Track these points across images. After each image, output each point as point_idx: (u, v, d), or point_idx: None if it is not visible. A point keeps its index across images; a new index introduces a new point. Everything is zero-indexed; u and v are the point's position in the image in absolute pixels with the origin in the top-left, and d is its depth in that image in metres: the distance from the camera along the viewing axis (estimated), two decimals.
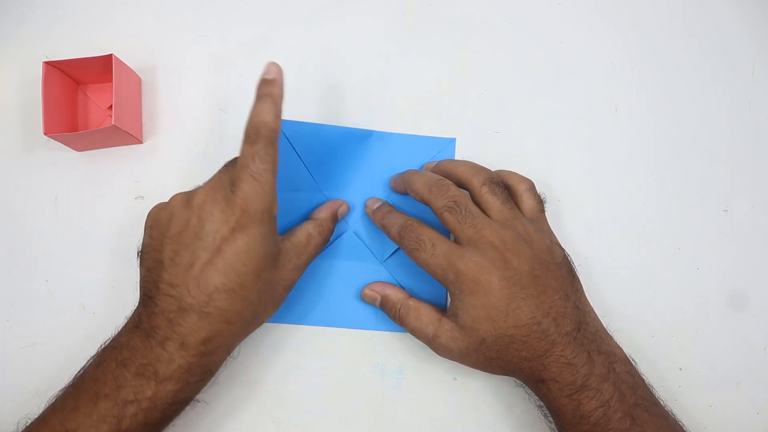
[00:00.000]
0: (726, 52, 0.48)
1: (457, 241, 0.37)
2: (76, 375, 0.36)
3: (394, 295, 0.41)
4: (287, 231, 0.40)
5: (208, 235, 0.34)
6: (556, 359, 0.35)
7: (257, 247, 0.34)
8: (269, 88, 0.37)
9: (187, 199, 0.36)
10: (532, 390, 0.38)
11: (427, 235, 0.38)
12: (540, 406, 0.38)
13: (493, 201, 0.39)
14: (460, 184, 0.40)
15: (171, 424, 0.36)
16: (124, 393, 0.33)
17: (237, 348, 0.38)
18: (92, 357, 0.36)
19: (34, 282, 0.44)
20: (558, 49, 0.48)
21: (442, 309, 0.40)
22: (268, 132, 0.35)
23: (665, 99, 0.48)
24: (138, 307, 0.37)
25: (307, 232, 0.40)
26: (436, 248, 0.37)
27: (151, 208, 0.38)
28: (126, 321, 0.37)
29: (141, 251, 0.38)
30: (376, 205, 0.43)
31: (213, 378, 0.37)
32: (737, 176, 0.46)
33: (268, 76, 0.37)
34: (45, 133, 0.41)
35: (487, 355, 0.37)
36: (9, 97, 0.46)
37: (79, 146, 0.45)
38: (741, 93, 0.48)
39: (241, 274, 0.34)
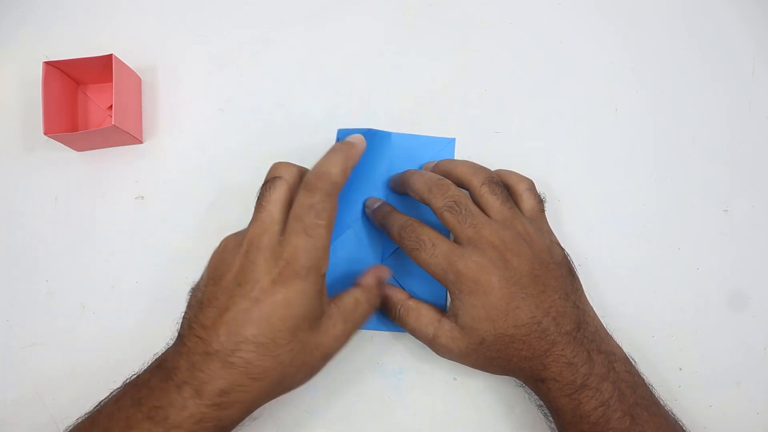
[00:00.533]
0: (726, 52, 0.48)
1: (457, 241, 0.37)
2: (94, 408, 0.35)
3: (394, 295, 0.41)
4: (335, 295, 0.37)
5: (248, 283, 0.33)
6: (556, 359, 0.35)
7: (298, 304, 0.33)
8: (346, 146, 0.36)
9: (237, 242, 0.35)
10: (531, 390, 0.38)
11: (427, 235, 0.38)
12: (540, 406, 0.38)
13: (493, 201, 0.39)
14: (460, 184, 0.40)
15: None
16: None
17: (259, 410, 0.35)
18: (112, 392, 0.35)
19: (34, 282, 0.44)
20: (558, 49, 0.48)
21: (442, 309, 0.40)
22: (330, 185, 0.34)
23: (665, 99, 0.48)
24: (168, 348, 0.35)
25: (354, 298, 0.37)
26: (436, 248, 0.37)
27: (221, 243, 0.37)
28: (153, 360, 0.35)
29: (194, 287, 0.36)
30: (375, 205, 0.43)
31: None
32: (737, 176, 0.46)
33: (350, 140, 0.37)
34: (45, 133, 0.41)
35: (487, 354, 0.37)
36: (9, 97, 0.46)
37: (79, 146, 0.45)
38: (741, 93, 0.48)
39: (276, 329, 0.32)
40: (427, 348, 0.39)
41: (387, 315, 0.41)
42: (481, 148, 0.46)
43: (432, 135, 0.46)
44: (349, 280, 0.44)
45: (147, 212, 0.45)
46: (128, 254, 0.43)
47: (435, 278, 0.38)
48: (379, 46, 0.48)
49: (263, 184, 0.36)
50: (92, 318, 0.43)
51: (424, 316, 0.39)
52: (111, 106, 0.46)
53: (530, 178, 0.42)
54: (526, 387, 0.38)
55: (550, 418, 0.38)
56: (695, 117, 0.47)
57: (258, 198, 0.36)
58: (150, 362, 0.35)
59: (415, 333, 0.39)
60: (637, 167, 0.46)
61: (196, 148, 0.46)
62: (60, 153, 0.45)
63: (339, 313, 0.36)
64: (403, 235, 0.38)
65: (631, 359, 0.37)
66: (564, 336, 0.35)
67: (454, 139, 0.46)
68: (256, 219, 0.35)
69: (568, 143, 0.47)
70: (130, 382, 0.35)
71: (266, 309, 0.32)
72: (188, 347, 0.33)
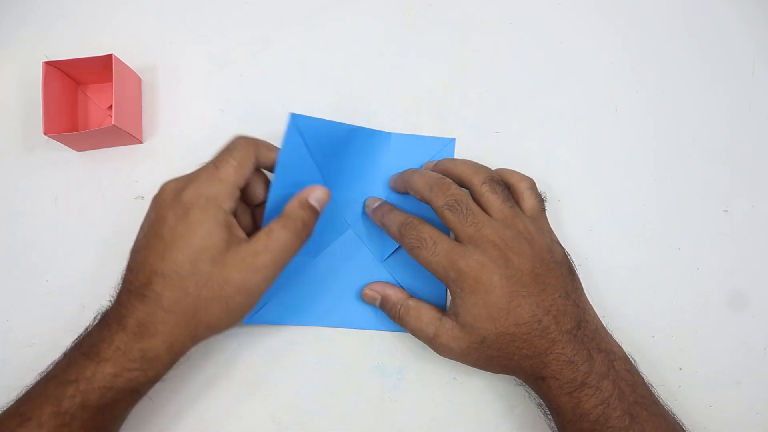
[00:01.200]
0: (726, 52, 0.48)
1: (457, 240, 0.37)
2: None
3: (394, 295, 0.41)
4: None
5: (157, 222, 0.35)
6: (556, 357, 0.35)
7: (195, 234, 0.34)
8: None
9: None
10: (531, 388, 0.38)
11: (428, 233, 0.38)
12: (540, 405, 0.38)
13: (493, 199, 0.39)
14: (461, 183, 0.40)
15: (118, 418, 0.36)
16: (69, 373, 0.34)
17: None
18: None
19: (34, 282, 0.44)
20: (558, 49, 0.48)
21: (442, 309, 0.40)
22: (243, 151, 0.37)
23: (665, 99, 0.48)
24: None
25: (268, 229, 0.36)
26: (437, 246, 0.37)
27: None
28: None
29: None
30: (375, 204, 0.43)
31: (159, 377, 0.36)
32: (737, 176, 0.46)
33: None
34: (45, 133, 0.41)
35: (488, 353, 0.37)
36: (9, 97, 0.46)
37: (79, 146, 0.45)
38: (741, 93, 0.48)
39: (177, 261, 0.34)
40: (428, 348, 0.39)
41: (387, 315, 0.41)
42: (481, 148, 0.46)
43: (432, 135, 0.46)
44: (350, 280, 0.44)
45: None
46: (128, 254, 0.42)
47: (436, 276, 0.37)
48: (379, 46, 0.48)
49: (222, 152, 0.37)
50: (92, 318, 0.43)
51: (424, 315, 0.39)
52: (111, 106, 0.46)
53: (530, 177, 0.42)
54: (526, 386, 0.38)
55: (550, 417, 0.38)
56: (695, 117, 0.47)
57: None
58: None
59: (416, 333, 0.39)
60: (637, 167, 0.46)
61: (196, 148, 0.46)
62: (60, 153, 0.45)
63: (248, 246, 0.35)
64: (404, 232, 0.38)
65: (630, 358, 0.37)
66: (564, 334, 0.35)
67: (454, 139, 0.46)
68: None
69: (568, 143, 0.47)
70: (79, 335, 0.37)
71: (168, 241, 0.34)
72: (117, 292, 0.36)
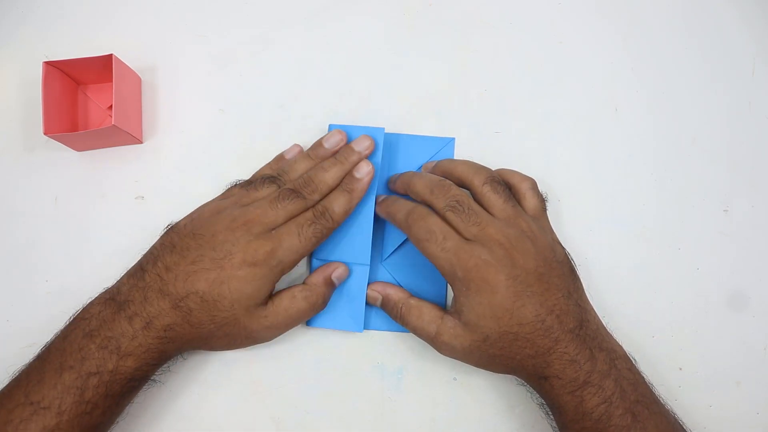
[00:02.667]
0: (726, 52, 0.48)
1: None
2: (41, 349, 0.37)
3: (395, 294, 0.41)
4: (277, 291, 0.40)
5: (222, 251, 0.37)
6: (559, 356, 0.35)
7: (250, 285, 0.37)
8: (353, 183, 0.40)
9: (232, 215, 0.38)
10: (533, 388, 0.38)
11: (438, 226, 0.37)
12: (541, 405, 0.38)
13: (495, 199, 0.39)
14: (461, 184, 0.40)
15: (131, 402, 0.38)
16: (88, 365, 0.35)
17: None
18: (59, 331, 0.37)
19: (34, 282, 0.44)
20: (558, 49, 0.48)
21: (443, 307, 0.39)
22: (331, 223, 0.39)
23: (665, 99, 0.48)
24: (121, 278, 0.38)
25: (291, 294, 0.39)
26: (447, 241, 0.37)
27: (212, 199, 0.42)
28: (100, 293, 0.38)
29: (172, 227, 0.40)
30: (381, 198, 0.43)
31: (166, 366, 0.39)
32: (737, 176, 0.46)
33: (361, 169, 0.41)
34: (45, 133, 0.41)
35: (490, 352, 0.37)
36: (9, 97, 0.46)
37: (79, 146, 0.45)
38: (741, 93, 0.48)
39: (222, 295, 0.36)
40: (428, 348, 0.39)
41: (388, 314, 0.41)
42: (481, 148, 0.46)
43: (432, 135, 0.46)
44: (348, 280, 0.44)
45: (147, 212, 0.45)
46: (128, 254, 0.42)
47: (441, 272, 0.37)
48: (379, 46, 0.48)
49: (267, 177, 0.40)
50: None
51: (425, 314, 0.39)
52: (111, 106, 0.46)
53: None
54: (528, 386, 0.38)
55: (552, 417, 0.38)
56: (695, 117, 0.47)
57: (264, 181, 0.40)
58: (92, 299, 0.38)
59: (417, 331, 0.39)
60: (637, 167, 0.46)
61: (196, 148, 0.46)
62: (60, 153, 0.45)
63: (272, 306, 0.39)
64: (411, 222, 0.38)
65: (631, 357, 0.38)
66: (567, 334, 0.35)
67: (453, 139, 0.46)
68: (261, 205, 0.38)
69: (568, 143, 0.47)
70: (77, 317, 0.37)
71: (224, 276, 0.36)
72: (146, 282, 0.37)
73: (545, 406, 0.38)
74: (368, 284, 0.42)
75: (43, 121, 0.41)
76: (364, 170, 0.41)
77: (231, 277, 0.36)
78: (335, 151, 0.42)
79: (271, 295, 0.39)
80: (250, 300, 0.37)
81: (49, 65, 0.42)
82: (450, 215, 0.37)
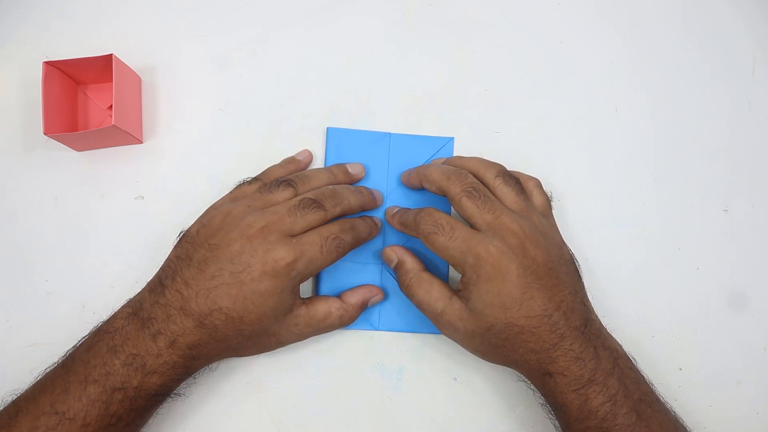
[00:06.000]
0: (726, 52, 0.48)
1: (474, 228, 0.37)
2: (65, 355, 0.37)
3: (411, 262, 0.40)
4: (311, 297, 0.40)
5: (241, 264, 0.36)
6: (564, 353, 0.35)
7: (273, 297, 0.36)
8: (373, 222, 0.42)
9: (247, 222, 0.37)
10: (535, 385, 0.38)
11: (445, 219, 0.37)
12: (542, 404, 0.38)
13: (508, 192, 0.39)
14: None
15: (155, 413, 0.38)
16: (113, 380, 0.35)
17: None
18: (83, 338, 0.37)
19: (34, 282, 0.44)
20: (558, 49, 0.48)
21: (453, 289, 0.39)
22: (355, 241, 0.39)
23: (665, 99, 0.48)
24: (143, 291, 0.38)
25: (328, 309, 0.40)
26: (455, 231, 0.37)
27: (220, 199, 0.41)
28: (123, 305, 0.38)
29: (184, 235, 0.39)
30: (394, 211, 0.43)
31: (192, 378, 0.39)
32: (737, 176, 0.46)
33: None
34: (45, 133, 0.41)
35: (492, 341, 0.37)
36: (9, 97, 0.46)
37: (79, 146, 0.45)
38: (741, 93, 0.48)
39: (247, 310, 0.36)
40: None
41: (397, 280, 0.41)
42: (481, 148, 0.46)
43: (432, 135, 0.46)
44: (350, 281, 0.44)
45: (147, 212, 0.45)
46: (128, 254, 0.42)
47: (451, 263, 0.37)
48: (379, 46, 0.48)
49: (283, 181, 0.40)
50: (92, 318, 0.43)
51: (435, 289, 0.38)
52: (111, 106, 0.46)
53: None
54: (528, 383, 0.38)
55: (554, 417, 0.38)
56: (695, 117, 0.47)
57: (280, 184, 0.39)
58: (116, 311, 0.37)
59: (422, 306, 0.39)
60: (637, 167, 0.46)
61: (196, 148, 0.46)
62: (60, 153, 0.45)
63: (307, 316, 0.39)
64: (419, 220, 0.38)
65: (631, 357, 0.38)
66: (573, 330, 0.35)
67: (452, 139, 0.46)
68: (277, 211, 0.37)
69: (568, 143, 0.47)
70: (100, 329, 0.37)
71: (246, 291, 0.35)
72: (167, 299, 0.36)
73: (547, 405, 0.38)
74: (390, 245, 0.42)
75: (43, 121, 0.41)
76: (380, 222, 0.43)
77: (253, 293, 0.36)
78: (356, 179, 0.44)
79: (304, 301, 0.39)
80: (276, 311, 0.37)
81: (49, 65, 0.42)
82: (465, 201, 0.37)
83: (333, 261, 0.38)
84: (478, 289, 0.36)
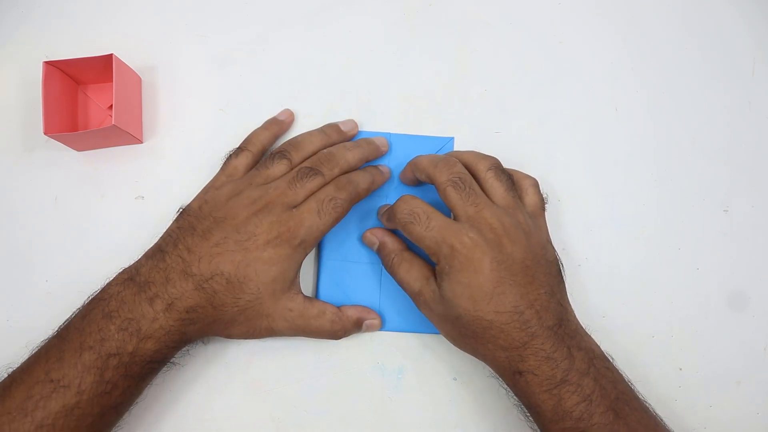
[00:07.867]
0: (726, 52, 0.48)
1: (455, 218, 0.37)
2: (61, 326, 0.37)
3: (392, 243, 0.41)
4: (313, 297, 0.41)
5: (246, 234, 0.37)
6: (534, 352, 0.35)
7: (276, 265, 0.37)
8: (376, 172, 0.42)
9: (251, 197, 0.38)
10: (507, 384, 0.37)
11: (421, 207, 0.37)
12: (516, 405, 0.38)
13: (497, 186, 0.39)
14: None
15: (150, 384, 0.38)
16: (108, 346, 0.35)
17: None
18: (78, 309, 0.37)
19: (34, 282, 0.44)
20: (558, 49, 0.48)
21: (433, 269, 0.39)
22: (354, 194, 0.39)
23: (665, 99, 0.48)
24: (140, 259, 0.38)
25: (323, 309, 0.40)
26: (431, 221, 0.37)
27: (214, 177, 0.42)
28: (119, 273, 0.38)
29: (185, 210, 0.40)
30: (383, 210, 0.43)
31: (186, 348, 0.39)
32: (737, 176, 0.46)
33: (381, 168, 0.43)
34: (45, 133, 0.41)
35: (461, 331, 0.37)
36: (9, 97, 0.46)
37: (79, 146, 0.45)
38: (741, 93, 0.48)
39: (248, 277, 0.36)
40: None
41: (381, 261, 0.42)
42: (481, 148, 0.46)
43: (431, 135, 0.46)
44: (350, 278, 0.44)
45: (147, 212, 0.45)
46: (128, 254, 0.42)
47: (427, 252, 0.37)
48: (379, 46, 0.48)
49: (277, 153, 0.40)
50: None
51: (415, 269, 0.39)
52: (111, 106, 0.46)
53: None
54: (501, 381, 0.38)
55: (530, 419, 0.37)
56: (695, 117, 0.47)
57: (275, 157, 0.40)
58: (111, 279, 0.38)
59: (403, 284, 0.40)
60: (637, 167, 0.46)
61: (196, 148, 0.46)
62: (60, 153, 0.45)
63: (302, 305, 0.39)
64: (395, 208, 0.38)
65: (609, 356, 0.37)
66: (545, 330, 0.35)
67: (452, 138, 0.46)
68: (279, 186, 0.38)
69: (568, 143, 0.47)
70: (95, 297, 0.37)
71: (250, 258, 0.36)
72: (167, 263, 0.37)
73: (521, 406, 0.37)
74: (369, 228, 0.43)
75: (43, 121, 0.41)
76: (386, 168, 0.43)
77: (256, 260, 0.36)
78: (351, 136, 0.43)
79: (304, 295, 0.40)
80: (276, 283, 0.37)
81: (49, 65, 0.42)
82: (450, 191, 0.37)
83: (334, 222, 0.38)
84: (449, 278, 0.36)
